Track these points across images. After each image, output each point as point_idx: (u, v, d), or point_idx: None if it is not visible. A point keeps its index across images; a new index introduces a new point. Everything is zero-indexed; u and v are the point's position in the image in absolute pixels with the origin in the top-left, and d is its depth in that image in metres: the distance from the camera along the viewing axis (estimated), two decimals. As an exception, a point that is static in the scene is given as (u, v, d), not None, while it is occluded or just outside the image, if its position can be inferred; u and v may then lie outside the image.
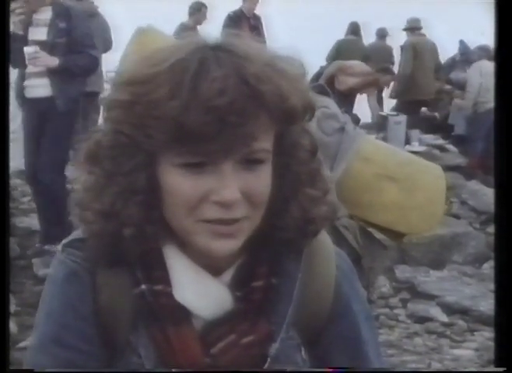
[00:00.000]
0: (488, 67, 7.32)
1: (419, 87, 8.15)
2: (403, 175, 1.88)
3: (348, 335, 1.04)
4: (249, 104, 0.86)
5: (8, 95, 1.50)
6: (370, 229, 1.95)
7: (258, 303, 0.98)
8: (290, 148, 0.95)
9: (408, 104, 8.23)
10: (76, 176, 0.97)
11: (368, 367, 1.04)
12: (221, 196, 0.87)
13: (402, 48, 8.62)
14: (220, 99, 0.84)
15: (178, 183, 0.89)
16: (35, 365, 0.96)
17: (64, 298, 0.98)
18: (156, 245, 0.97)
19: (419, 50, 8.29)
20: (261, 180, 0.91)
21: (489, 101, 7.29)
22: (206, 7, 8.28)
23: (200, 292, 0.97)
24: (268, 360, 0.97)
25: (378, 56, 9.18)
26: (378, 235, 1.97)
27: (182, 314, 0.96)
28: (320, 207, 0.98)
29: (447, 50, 9.54)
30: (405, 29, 8.70)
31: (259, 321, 0.98)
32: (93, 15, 6.45)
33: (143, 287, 0.96)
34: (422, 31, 8.68)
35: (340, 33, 9.56)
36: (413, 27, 8.57)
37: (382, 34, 10.26)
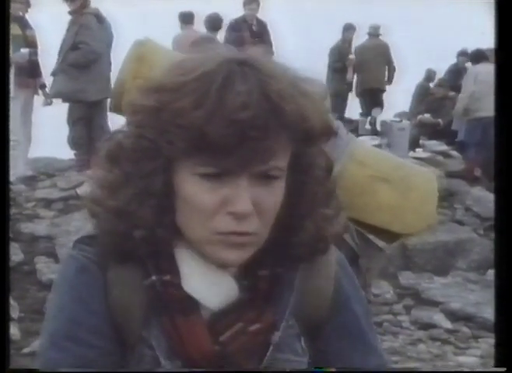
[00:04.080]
0: (485, 73, 7.07)
1: (369, 78, 9.81)
2: (396, 177, 1.91)
3: (349, 325, 1.05)
4: (270, 120, 0.88)
5: (8, 101, 1.51)
6: (364, 231, 1.97)
7: (265, 292, 1.00)
8: (307, 167, 0.97)
9: (367, 91, 9.90)
10: (93, 172, 0.99)
11: (370, 353, 1.05)
12: (235, 207, 0.90)
13: None
14: (243, 113, 0.86)
15: (195, 192, 0.91)
16: (47, 362, 0.95)
17: (75, 292, 0.98)
18: (166, 245, 0.98)
19: (369, 50, 9.74)
20: (273, 196, 0.93)
21: (478, 110, 7.25)
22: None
23: (207, 283, 0.98)
24: (271, 347, 0.99)
25: None
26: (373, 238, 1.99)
27: (191, 304, 0.97)
28: (333, 225, 1.01)
29: (447, 51, 9.69)
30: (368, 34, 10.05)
31: (266, 309, 0.99)
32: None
33: (153, 277, 0.97)
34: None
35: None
36: (371, 33, 9.87)
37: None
